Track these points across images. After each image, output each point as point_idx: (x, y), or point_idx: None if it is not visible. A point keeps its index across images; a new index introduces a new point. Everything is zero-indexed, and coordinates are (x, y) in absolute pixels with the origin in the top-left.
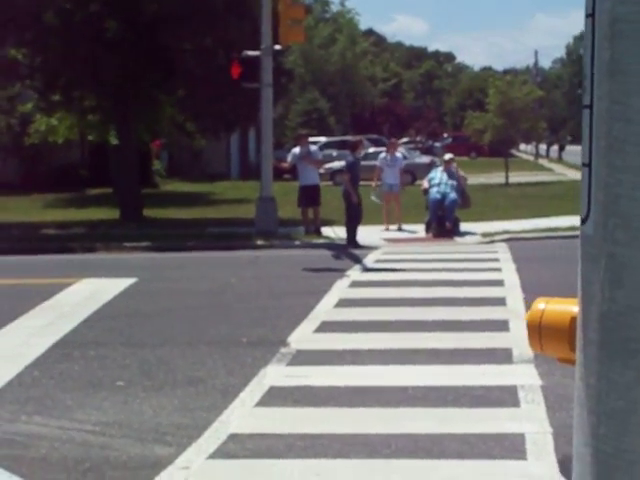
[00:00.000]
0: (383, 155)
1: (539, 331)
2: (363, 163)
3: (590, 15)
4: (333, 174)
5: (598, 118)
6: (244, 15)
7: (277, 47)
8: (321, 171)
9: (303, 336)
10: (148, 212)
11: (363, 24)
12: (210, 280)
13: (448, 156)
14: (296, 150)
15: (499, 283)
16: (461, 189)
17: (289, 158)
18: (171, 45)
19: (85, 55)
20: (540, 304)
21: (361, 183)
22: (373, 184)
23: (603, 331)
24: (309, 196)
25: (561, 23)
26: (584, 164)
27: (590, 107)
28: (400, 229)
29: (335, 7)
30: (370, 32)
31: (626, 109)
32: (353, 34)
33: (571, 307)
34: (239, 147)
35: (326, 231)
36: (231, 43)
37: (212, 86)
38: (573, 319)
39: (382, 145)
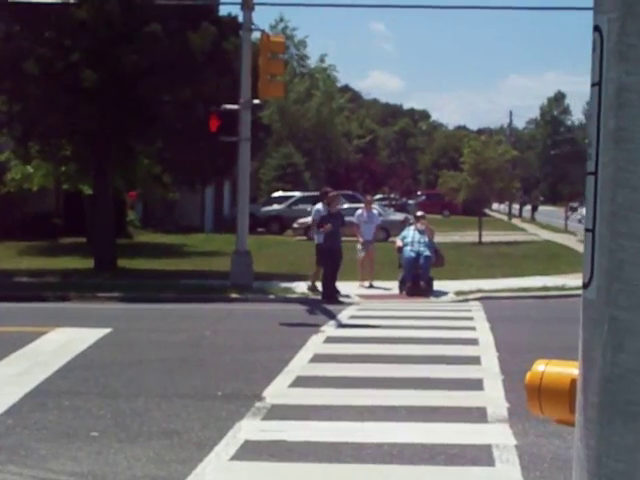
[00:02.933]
0: (360, 212)
1: (539, 393)
2: None
3: (596, 84)
4: (307, 229)
5: (603, 185)
6: (224, 69)
7: (256, 101)
8: (295, 225)
9: (278, 390)
10: (122, 262)
11: (340, 80)
12: (185, 332)
13: (419, 213)
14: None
15: (473, 342)
16: (434, 247)
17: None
18: (150, 96)
19: (64, 104)
20: (540, 366)
21: (343, 239)
22: (361, 240)
23: (604, 394)
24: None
25: (535, 84)
26: (587, 229)
27: (595, 174)
28: (371, 286)
29: (312, 62)
30: (346, 88)
31: (631, 176)
32: (330, 90)
33: (571, 369)
34: (214, 200)
35: (301, 287)
36: (210, 96)
37: (190, 138)
38: (573, 381)
39: (356, 201)
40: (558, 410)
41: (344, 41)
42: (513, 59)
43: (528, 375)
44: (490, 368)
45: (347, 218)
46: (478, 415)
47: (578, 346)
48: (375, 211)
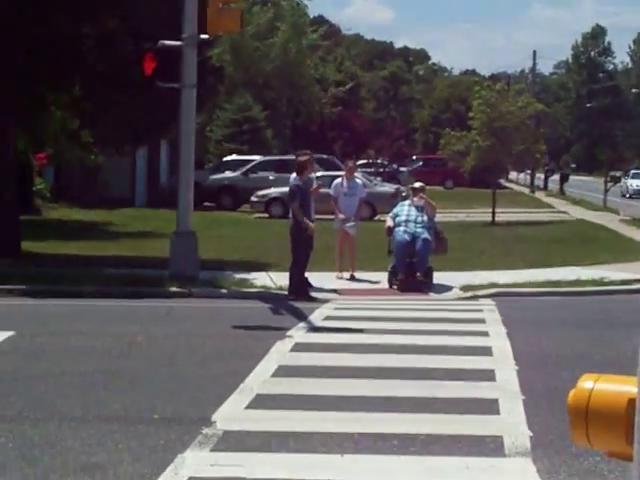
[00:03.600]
0: (338, 181)
1: (585, 417)
2: None
3: None
4: (268, 203)
5: None
6: None
7: (203, 37)
8: (253, 199)
9: (232, 413)
10: (27, 245)
11: (311, 10)
12: (110, 337)
13: (417, 184)
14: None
15: (486, 351)
16: (435, 229)
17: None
18: (65, 29)
19: None
20: (587, 382)
21: (316, 216)
22: (341, 216)
23: None
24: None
25: (566, 16)
26: None
27: None
28: (353, 278)
29: None
30: (320, 20)
31: None
32: (299, 23)
33: (628, 387)
34: (147, 165)
35: (262, 278)
36: (144, 29)
37: (117, 84)
38: (631, 402)
39: (333, 168)
40: (611, 440)
41: None
42: None
43: (572, 394)
44: (507, 385)
45: (320, 183)
46: (493, 447)
47: (638, 357)
48: (358, 181)
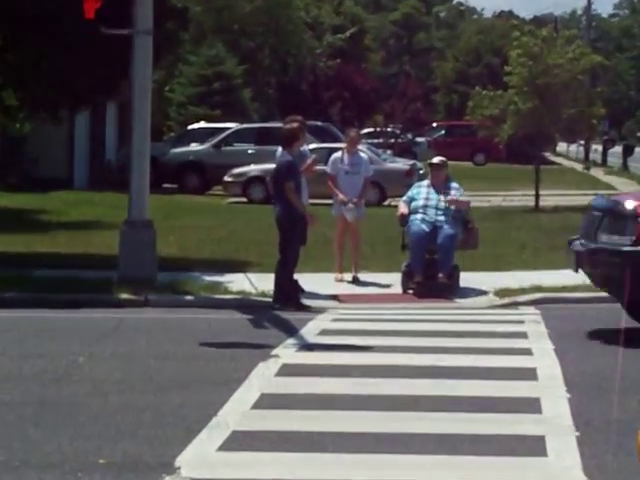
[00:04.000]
0: (337, 155)
1: None
2: None
3: None
4: (247, 184)
5: None
6: None
7: None
8: (227, 179)
9: (201, 457)
10: None
11: None
12: (42, 358)
13: (437, 159)
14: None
15: (528, 374)
16: (464, 218)
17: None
18: None
19: None
20: None
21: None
22: (340, 196)
23: None
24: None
25: None
26: None
27: None
28: (356, 280)
29: None
30: None
31: None
32: None
33: None
34: (90, 136)
35: (238, 280)
36: None
37: (49, 31)
38: None
39: (330, 138)
40: None
41: None
42: None
43: None
44: (556, 418)
45: (315, 157)
46: None
47: None
48: (363, 155)
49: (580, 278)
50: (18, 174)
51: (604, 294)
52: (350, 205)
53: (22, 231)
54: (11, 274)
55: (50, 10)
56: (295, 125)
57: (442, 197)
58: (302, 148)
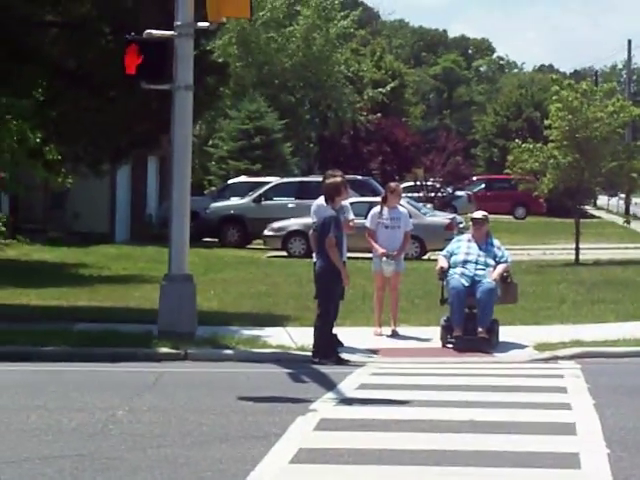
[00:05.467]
0: (377, 210)
1: None
2: None
3: None
4: (287, 238)
5: None
6: None
7: (202, 25)
8: (267, 233)
9: None
10: None
11: None
12: (82, 412)
13: (479, 214)
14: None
15: (568, 429)
16: (503, 272)
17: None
18: (22, 14)
19: None
20: None
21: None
22: (380, 250)
23: None
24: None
25: None
26: None
27: None
28: (395, 334)
29: None
30: (354, 3)
31: None
32: (326, 6)
33: None
34: (131, 190)
35: (277, 335)
36: (125, 15)
37: (90, 86)
38: None
39: (371, 192)
40: None
41: None
42: None
43: None
44: (596, 473)
45: (353, 218)
46: None
47: None
48: (402, 209)
49: (621, 332)
50: (60, 228)
51: None
52: (388, 259)
53: (63, 285)
54: (53, 328)
55: (91, 65)
56: (338, 180)
57: (482, 252)
58: (343, 203)
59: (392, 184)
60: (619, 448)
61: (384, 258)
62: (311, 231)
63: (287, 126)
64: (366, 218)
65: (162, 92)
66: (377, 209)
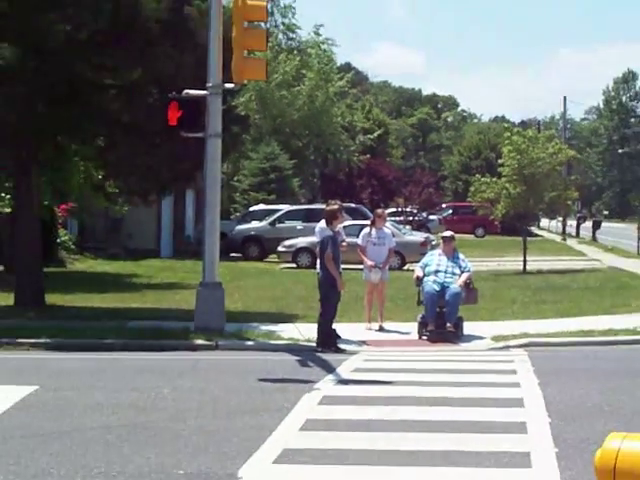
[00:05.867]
0: (367, 231)
1: (613, 478)
2: None
3: None
4: (296, 253)
5: None
6: (185, 42)
7: (229, 85)
8: (280, 249)
9: (259, 468)
10: (52, 298)
11: (338, 57)
12: (134, 391)
13: (447, 233)
14: (366, 230)
15: (517, 403)
16: (466, 279)
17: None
18: (88, 79)
19: None
20: (613, 441)
21: (344, 266)
22: (370, 263)
23: None
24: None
25: (595, 60)
26: None
27: None
28: (382, 329)
29: (304, 34)
30: (347, 67)
31: None
32: (326, 70)
33: None
34: (173, 215)
35: (289, 330)
36: (167, 78)
37: (141, 134)
38: None
39: (362, 217)
40: None
41: (344, 6)
42: (565, 27)
43: (599, 454)
44: (539, 438)
45: (349, 239)
46: None
47: None
48: (387, 230)
49: (560, 326)
50: (117, 246)
51: (580, 339)
52: (376, 269)
53: (119, 291)
54: (110, 325)
55: (141, 118)
56: (336, 207)
57: (450, 264)
58: (339, 225)
59: (379, 210)
60: (558, 417)
61: (373, 269)
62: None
63: (296, 165)
64: (358, 237)
65: (197, 139)
66: (367, 230)
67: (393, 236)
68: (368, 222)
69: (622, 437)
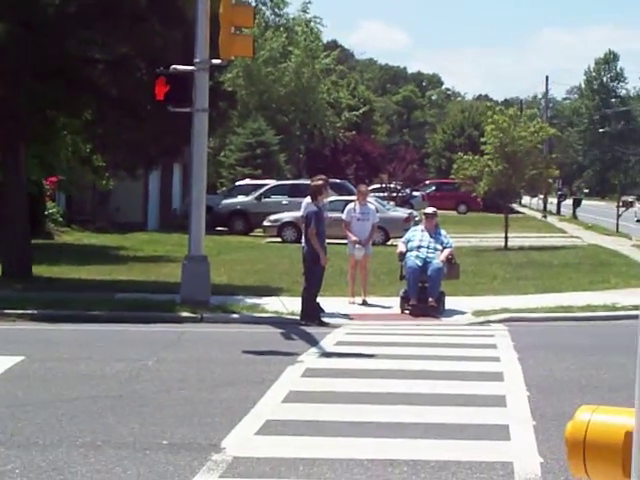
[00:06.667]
0: (351, 206)
1: (583, 449)
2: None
3: None
4: (281, 227)
5: None
6: (173, 17)
7: (215, 61)
8: (266, 223)
9: (242, 439)
10: (39, 269)
11: (325, 35)
12: (120, 362)
13: (430, 210)
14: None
15: (497, 377)
16: (448, 255)
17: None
18: (76, 53)
19: None
20: (584, 413)
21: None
22: (353, 238)
23: None
24: None
25: (578, 41)
26: None
27: None
28: (365, 303)
29: (290, 11)
30: (334, 45)
31: None
32: (313, 47)
33: (625, 418)
34: (160, 189)
35: (273, 303)
36: (155, 54)
37: (129, 108)
38: (628, 435)
39: (346, 192)
40: (608, 472)
41: None
42: (548, 7)
43: (569, 426)
44: (518, 411)
45: (332, 214)
46: (503, 473)
47: (635, 387)
48: (371, 206)
49: (540, 301)
50: (104, 219)
51: (559, 314)
52: (359, 245)
53: (106, 263)
54: (98, 296)
55: (129, 92)
56: (320, 182)
57: (432, 239)
58: (324, 200)
59: (362, 187)
60: (536, 390)
61: (356, 245)
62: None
63: (282, 141)
64: (343, 212)
65: (184, 114)
66: (351, 205)
67: (377, 212)
68: (353, 197)
69: (592, 409)
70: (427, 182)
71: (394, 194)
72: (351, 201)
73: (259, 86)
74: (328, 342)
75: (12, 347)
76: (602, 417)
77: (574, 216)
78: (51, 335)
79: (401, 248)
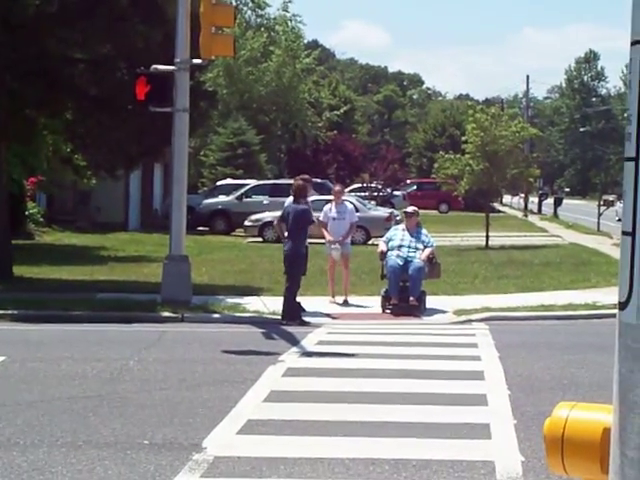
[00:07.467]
0: (328, 206)
1: (561, 446)
2: None
3: (638, 42)
4: (262, 227)
5: None
6: (154, 17)
7: (196, 61)
8: (247, 223)
9: (223, 439)
10: (19, 270)
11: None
12: (101, 362)
13: (411, 209)
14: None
15: (478, 376)
16: (429, 254)
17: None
18: (57, 53)
19: None
20: (562, 410)
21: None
22: (329, 237)
23: None
24: None
25: (558, 40)
26: (625, 232)
27: (636, 159)
28: (346, 302)
29: (271, 11)
30: (314, 44)
31: None
32: (293, 47)
33: (603, 415)
34: (141, 189)
35: (254, 303)
36: (136, 53)
37: (109, 108)
38: (606, 431)
39: (328, 192)
40: (586, 468)
41: None
42: (529, 6)
43: (547, 423)
44: (499, 410)
45: (314, 213)
46: (484, 472)
47: (613, 388)
48: (348, 205)
49: (521, 300)
50: (85, 219)
51: (540, 313)
52: (335, 245)
53: (87, 263)
54: (79, 297)
55: (109, 92)
56: (301, 182)
57: (413, 239)
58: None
59: (336, 186)
60: (517, 389)
61: (333, 245)
62: (275, 221)
63: (263, 140)
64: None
65: (165, 113)
66: (328, 206)
67: (357, 211)
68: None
69: (571, 406)
70: (408, 181)
71: (375, 193)
72: (331, 201)
73: (240, 86)
74: (309, 342)
75: None
76: (580, 414)
77: (555, 215)
78: (32, 335)
79: (382, 247)
